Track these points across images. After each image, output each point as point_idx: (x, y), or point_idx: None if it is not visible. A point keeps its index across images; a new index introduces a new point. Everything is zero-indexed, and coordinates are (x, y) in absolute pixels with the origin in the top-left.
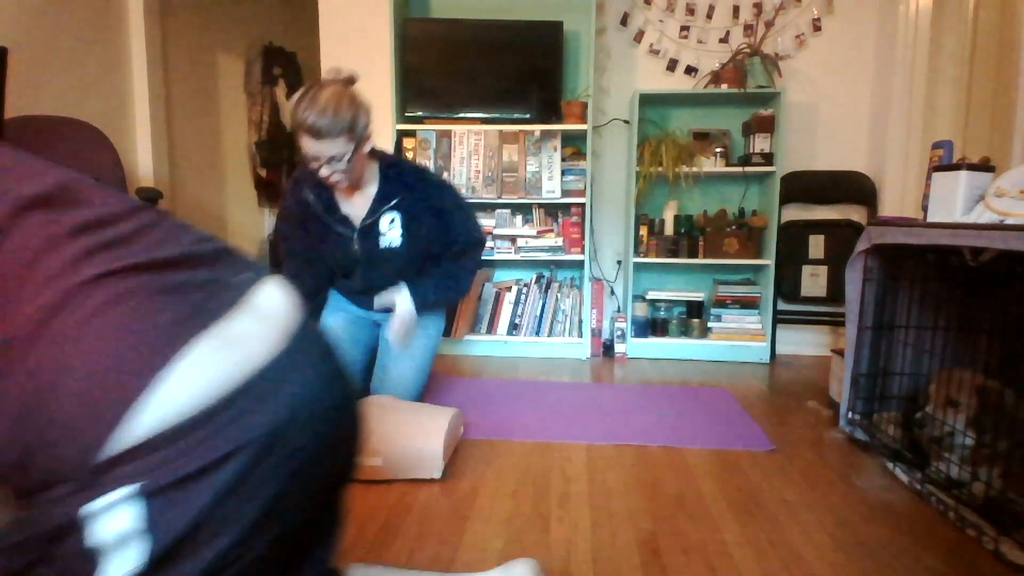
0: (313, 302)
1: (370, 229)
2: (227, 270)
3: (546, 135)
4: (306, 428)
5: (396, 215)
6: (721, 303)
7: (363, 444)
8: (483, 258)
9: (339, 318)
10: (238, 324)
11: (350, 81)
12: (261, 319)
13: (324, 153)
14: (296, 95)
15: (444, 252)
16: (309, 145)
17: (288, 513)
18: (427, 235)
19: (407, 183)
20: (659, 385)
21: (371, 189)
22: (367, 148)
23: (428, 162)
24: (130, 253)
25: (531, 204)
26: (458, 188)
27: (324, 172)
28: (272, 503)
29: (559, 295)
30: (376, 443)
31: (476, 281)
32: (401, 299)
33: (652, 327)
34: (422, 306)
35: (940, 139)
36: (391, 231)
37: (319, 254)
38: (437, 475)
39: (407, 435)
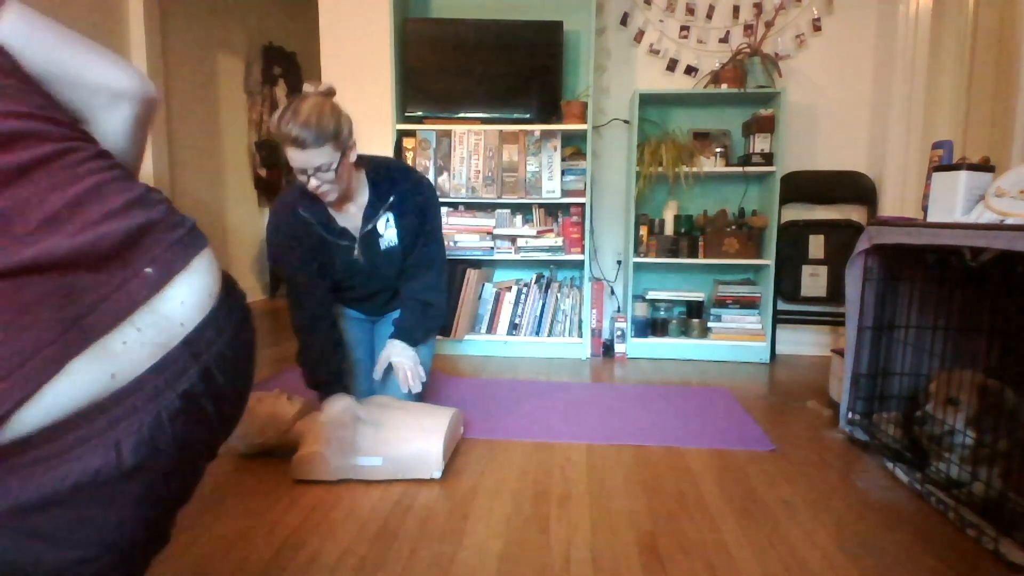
0: (326, 321)
1: (370, 235)
2: (129, 266)
3: (546, 135)
4: (149, 463)
5: (390, 215)
6: (721, 303)
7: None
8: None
9: (340, 321)
10: (115, 341)
11: (330, 93)
12: (147, 329)
13: (311, 163)
14: (276, 113)
15: (413, 250)
16: (296, 157)
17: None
18: (414, 229)
19: (395, 181)
20: (659, 385)
21: (362, 197)
22: (353, 157)
23: (428, 162)
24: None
25: (531, 204)
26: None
27: (313, 184)
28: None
29: (559, 295)
30: (376, 443)
31: (476, 281)
32: (394, 351)
33: (652, 327)
34: (415, 344)
35: (940, 139)
36: (388, 231)
37: (323, 268)
38: (437, 475)
39: (407, 435)
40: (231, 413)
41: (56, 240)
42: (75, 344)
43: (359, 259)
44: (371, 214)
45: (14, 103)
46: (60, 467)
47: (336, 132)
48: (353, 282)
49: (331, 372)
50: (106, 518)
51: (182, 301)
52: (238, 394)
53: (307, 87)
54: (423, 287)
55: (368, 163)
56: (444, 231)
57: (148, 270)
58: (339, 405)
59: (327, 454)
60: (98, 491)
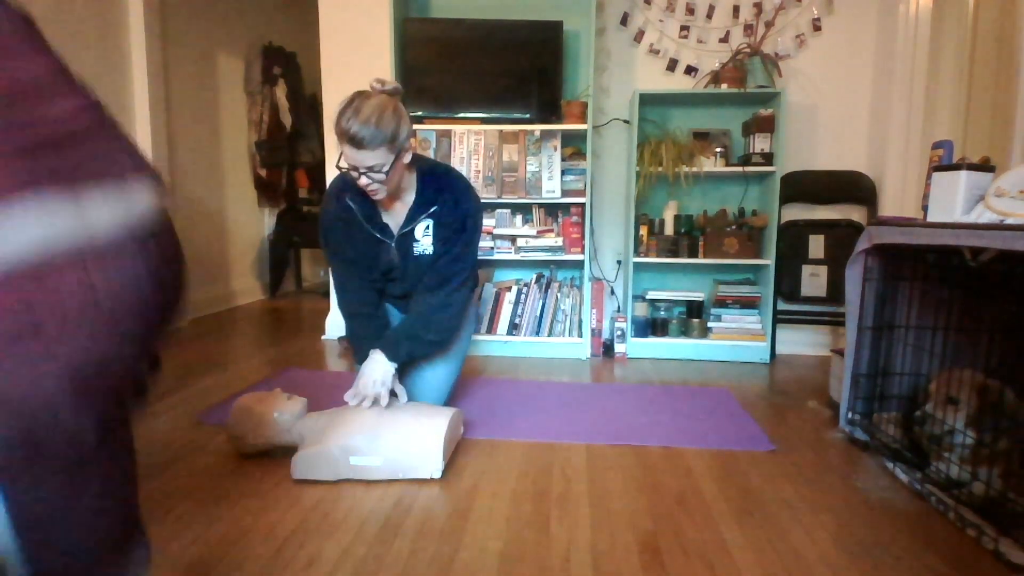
0: (370, 303)
1: (407, 236)
2: (113, 153)
3: (546, 135)
4: (118, 306)
5: (430, 222)
6: (721, 303)
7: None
8: (480, 274)
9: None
10: (93, 201)
11: (396, 92)
12: (119, 207)
13: (363, 162)
14: (342, 103)
15: (435, 263)
16: (350, 154)
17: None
18: (447, 240)
19: (442, 190)
20: (659, 385)
21: (409, 197)
22: (407, 159)
23: None
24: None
25: (531, 204)
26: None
27: (362, 181)
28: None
29: (559, 295)
30: (375, 443)
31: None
32: (367, 362)
33: (652, 327)
34: (397, 359)
35: (940, 139)
36: (424, 238)
37: (366, 259)
38: (436, 475)
39: (406, 435)
40: (176, 305)
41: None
42: (59, 180)
43: (394, 259)
44: (412, 216)
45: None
46: (44, 286)
47: (394, 135)
48: (392, 276)
49: (367, 335)
50: (87, 340)
51: (145, 193)
52: (182, 285)
53: (374, 83)
54: (431, 303)
55: (423, 165)
56: None
57: (127, 157)
58: (380, 369)
59: (326, 450)
60: (80, 317)
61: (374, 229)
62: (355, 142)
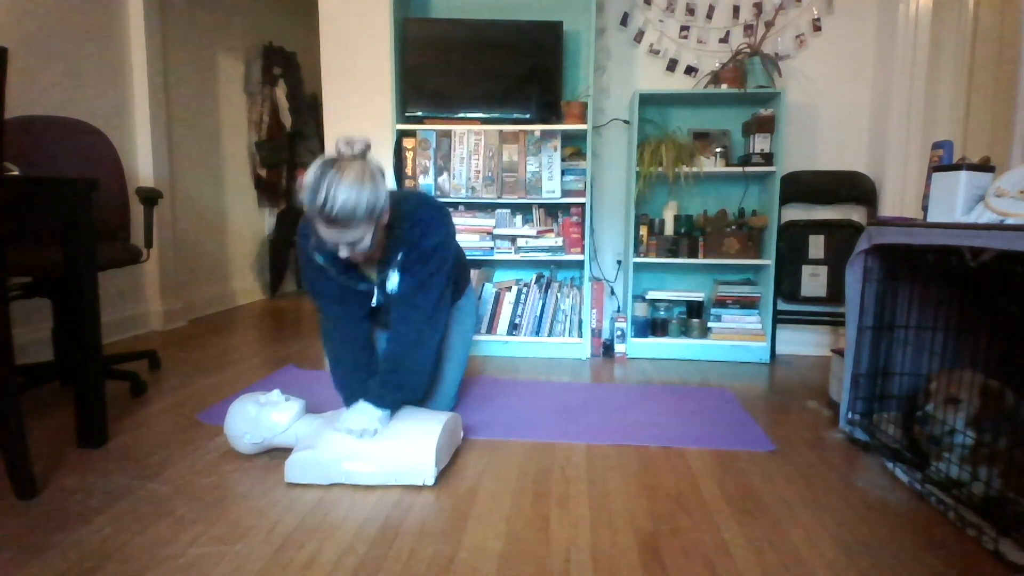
0: (338, 336)
1: (384, 282)
2: None
3: (546, 135)
4: None
5: (396, 271)
6: (721, 303)
7: None
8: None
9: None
10: None
11: (366, 151)
12: None
13: (344, 240)
14: (309, 175)
15: (403, 292)
16: (326, 232)
17: None
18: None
19: (401, 238)
20: (659, 385)
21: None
22: (386, 219)
23: (428, 162)
24: None
25: (531, 204)
26: (447, 256)
27: (343, 254)
28: None
29: (559, 295)
30: (368, 449)
31: (476, 281)
32: (350, 416)
33: (652, 327)
34: (386, 406)
35: (940, 139)
36: (392, 277)
37: (349, 296)
38: (429, 482)
39: (399, 442)
40: None
41: None
42: None
43: (377, 298)
44: (385, 265)
45: None
46: None
47: (373, 207)
48: (378, 309)
49: (352, 384)
50: None
51: None
52: None
53: (342, 145)
54: (402, 343)
55: (393, 215)
56: None
57: None
58: (360, 419)
59: (319, 455)
60: None
61: (351, 281)
62: (334, 223)
